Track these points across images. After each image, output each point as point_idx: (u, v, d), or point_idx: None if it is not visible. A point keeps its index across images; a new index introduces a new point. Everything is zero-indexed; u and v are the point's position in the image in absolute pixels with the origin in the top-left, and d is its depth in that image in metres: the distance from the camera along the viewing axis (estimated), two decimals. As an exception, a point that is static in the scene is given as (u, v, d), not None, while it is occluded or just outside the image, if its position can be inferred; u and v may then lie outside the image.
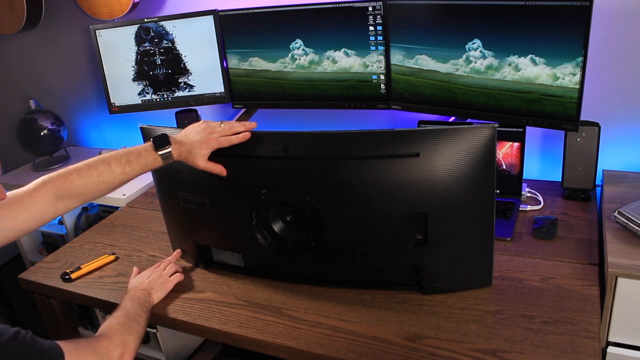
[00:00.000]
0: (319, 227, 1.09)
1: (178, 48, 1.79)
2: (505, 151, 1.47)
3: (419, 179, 1.00)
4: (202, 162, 1.10)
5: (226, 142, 1.10)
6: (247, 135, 1.10)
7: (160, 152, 1.08)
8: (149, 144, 1.09)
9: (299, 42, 1.64)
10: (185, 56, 1.80)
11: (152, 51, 1.81)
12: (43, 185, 0.99)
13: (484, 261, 1.11)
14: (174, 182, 1.21)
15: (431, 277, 1.11)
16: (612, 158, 1.55)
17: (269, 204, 1.12)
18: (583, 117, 1.32)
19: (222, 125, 1.12)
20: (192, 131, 1.12)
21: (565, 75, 1.27)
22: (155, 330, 1.51)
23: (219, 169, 1.11)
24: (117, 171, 1.05)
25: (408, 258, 1.09)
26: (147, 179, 1.85)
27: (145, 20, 1.78)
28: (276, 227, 1.15)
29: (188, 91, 1.85)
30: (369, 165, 1.02)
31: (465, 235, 1.07)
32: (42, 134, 2.13)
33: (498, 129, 1.15)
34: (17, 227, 0.97)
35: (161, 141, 1.09)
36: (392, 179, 1.01)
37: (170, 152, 1.08)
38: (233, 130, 1.11)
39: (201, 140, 1.09)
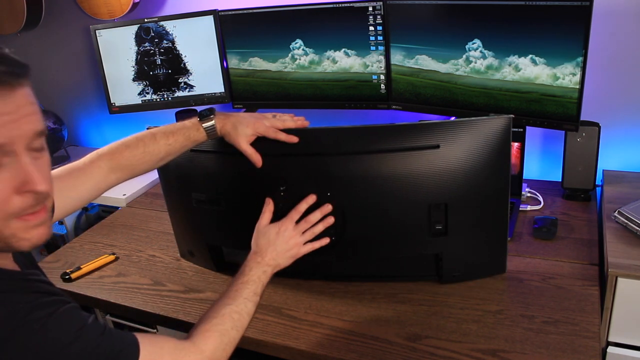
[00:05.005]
0: (341, 222, 1.09)
1: (178, 48, 1.79)
2: (505, 151, 1.47)
3: (440, 170, 1.03)
4: (243, 142, 1.06)
5: (273, 133, 1.06)
6: (294, 138, 1.07)
7: (204, 124, 1.06)
8: (196, 117, 1.08)
9: (299, 42, 1.64)
10: (185, 56, 1.80)
11: (152, 51, 1.81)
12: (98, 157, 1.01)
13: (498, 248, 1.14)
14: (186, 182, 1.21)
15: (450, 267, 1.13)
16: (612, 158, 1.55)
17: (288, 201, 1.12)
18: (583, 117, 1.31)
19: (274, 116, 1.10)
20: (242, 113, 1.10)
21: (565, 75, 1.27)
22: (155, 331, 1.51)
23: (256, 158, 1.07)
24: (161, 142, 1.05)
25: (428, 248, 1.11)
26: (148, 179, 1.85)
27: (146, 20, 1.78)
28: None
29: (188, 91, 1.85)
30: (390, 159, 1.04)
31: (482, 223, 1.10)
32: (42, 134, 2.13)
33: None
34: (81, 195, 0.98)
35: (206, 113, 1.07)
36: (414, 171, 1.03)
37: (213, 124, 1.06)
38: (285, 125, 1.08)
39: (250, 119, 1.07)
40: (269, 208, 1.07)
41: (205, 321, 0.87)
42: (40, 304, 0.68)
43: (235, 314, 0.89)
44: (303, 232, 1.04)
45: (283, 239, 1.02)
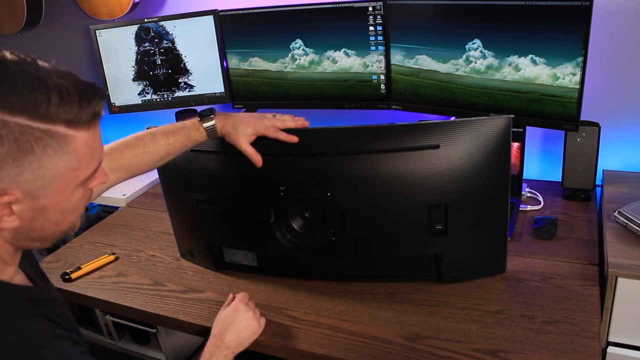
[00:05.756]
0: (341, 221, 1.09)
1: (178, 48, 1.79)
2: (505, 151, 1.47)
3: (440, 170, 1.03)
4: (244, 142, 1.06)
5: (273, 133, 1.06)
6: (295, 138, 1.07)
7: (204, 124, 1.07)
8: (196, 117, 1.08)
9: (299, 42, 1.64)
10: (185, 56, 1.80)
11: (152, 51, 1.81)
12: None
13: (498, 248, 1.14)
14: (186, 182, 1.21)
15: (450, 267, 1.13)
16: (612, 158, 1.55)
17: (288, 201, 1.12)
18: (583, 117, 1.31)
19: (274, 116, 1.10)
20: (243, 113, 1.11)
21: (565, 75, 1.27)
22: (155, 330, 1.51)
23: (256, 157, 1.07)
24: (161, 142, 1.05)
25: (428, 248, 1.11)
26: (148, 179, 1.85)
27: (145, 20, 1.78)
28: (295, 224, 1.15)
29: (188, 91, 1.85)
30: (390, 159, 1.04)
31: (482, 223, 1.10)
32: (42, 134, 2.13)
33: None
34: None
35: (207, 113, 1.08)
36: (414, 171, 1.03)
37: (214, 124, 1.06)
38: (285, 125, 1.08)
39: (250, 119, 1.07)
40: (230, 298, 1.10)
41: None
42: (54, 335, 0.69)
43: None
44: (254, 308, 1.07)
45: (241, 316, 1.03)
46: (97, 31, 1.81)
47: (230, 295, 1.11)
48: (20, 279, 0.77)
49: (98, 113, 0.68)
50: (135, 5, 1.94)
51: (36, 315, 0.70)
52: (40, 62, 0.66)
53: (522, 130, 1.43)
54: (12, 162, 0.62)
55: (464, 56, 1.41)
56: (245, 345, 1.01)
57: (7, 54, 0.65)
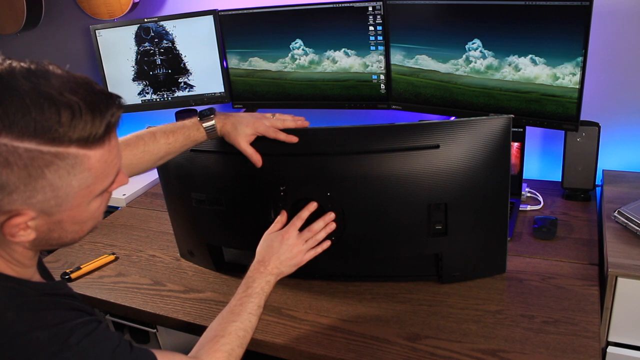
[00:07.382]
0: (340, 221, 1.09)
1: (178, 48, 1.79)
2: (505, 151, 1.47)
3: (440, 170, 1.03)
4: (243, 142, 1.07)
5: (272, 133, 1.07)
6: (294, 138, 1.07)
7: (204, 124, 1.07)
8: (196, 117, 1.08)
9: (299, 42, 1.64)
10: (185, 56, 1.80)
11: (152, 51, 1.81)
12: None
13: (498, 248, 1.14)
14: (186, 182, 1.21)
15: (450, 267, 1.13)
16: (612, 158, 1.55)
17: (288, 201, 1.12)
18: (583, 117, 1.32)
19: (274, 116, 1.10)
20: (242, 113, 1.11)
21: (565, 75, 1.27)
22: (155, 330, 1.51)
23: (256, 158, 1.08)
24: (162, 141, 1.05)
25: (428, 248, 1.11)
26: (148, 179, 1.85)
27: (145, 20, 1.78)
28: None
29: (188, 91, 1.85)
30: (390, 159, 1.04)
31: (482, 223, 1.09)
32: (42, 134, 2.13)
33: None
34: None
35: (207, 113, 1.08)
36: (414, 171, 1.03)
37: (214, 124, 1.07)
38: (285, 124, 1.08)
39: (250, 119, 1.07)
40: (281, 219, 1.06)
41: (212, 340, 0.86)
42: (79, 324, 0.70)
43: (241, 331, 0.89)
44: (306, 240, 1.04)
45: (286, 247, 1.01)
46: (97, 31, 1.81)
47: (283, 215, 1.07)
48: (38, 277, 0.78)
49: (113, 124, 0.66)
50: (135, 5, 1.94)
51: (60, 308, 0.72)
52: (52, 70, 0.63)
53: (522, 130, 1.43)
54: (24, 187, 0.62)
55: (464, 56, 1.41)
56: (286, 274, 1.01)
57: (16, 66, 0.62)
